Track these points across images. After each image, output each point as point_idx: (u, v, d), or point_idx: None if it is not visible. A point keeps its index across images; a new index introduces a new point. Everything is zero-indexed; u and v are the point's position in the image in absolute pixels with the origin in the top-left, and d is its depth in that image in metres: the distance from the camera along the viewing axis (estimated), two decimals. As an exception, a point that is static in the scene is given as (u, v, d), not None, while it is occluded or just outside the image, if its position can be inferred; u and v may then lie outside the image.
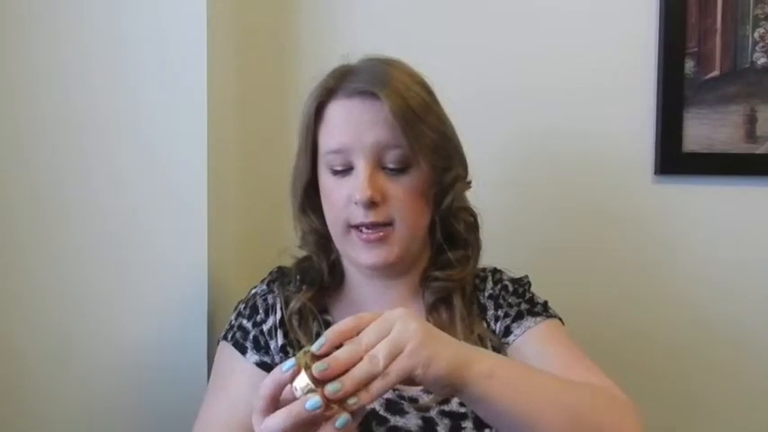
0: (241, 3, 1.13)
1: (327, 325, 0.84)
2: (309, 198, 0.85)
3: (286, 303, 0.83)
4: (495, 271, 0.90)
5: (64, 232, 0.96)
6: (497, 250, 0.91)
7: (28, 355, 0.96)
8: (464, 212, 0.85)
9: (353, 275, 0.86)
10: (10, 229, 0.95)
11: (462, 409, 0.75)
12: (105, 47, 0.95)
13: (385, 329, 0.56)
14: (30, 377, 0.96)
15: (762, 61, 1.16)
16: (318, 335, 0.82)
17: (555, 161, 1.18)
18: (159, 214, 0.96)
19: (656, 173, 1.17)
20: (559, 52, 1.16)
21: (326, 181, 0.81)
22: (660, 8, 1.15)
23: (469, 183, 0.87)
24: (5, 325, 0.96)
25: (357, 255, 0.79)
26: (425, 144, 0.78)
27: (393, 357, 0.54)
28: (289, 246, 0.89)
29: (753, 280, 1.19)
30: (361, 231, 0.78)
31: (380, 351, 0.54)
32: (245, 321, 0.84)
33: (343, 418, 0.52)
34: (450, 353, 0.58)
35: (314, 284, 0.85)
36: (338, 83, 0.80)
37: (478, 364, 0.59)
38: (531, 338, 0.80)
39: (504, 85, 1.16)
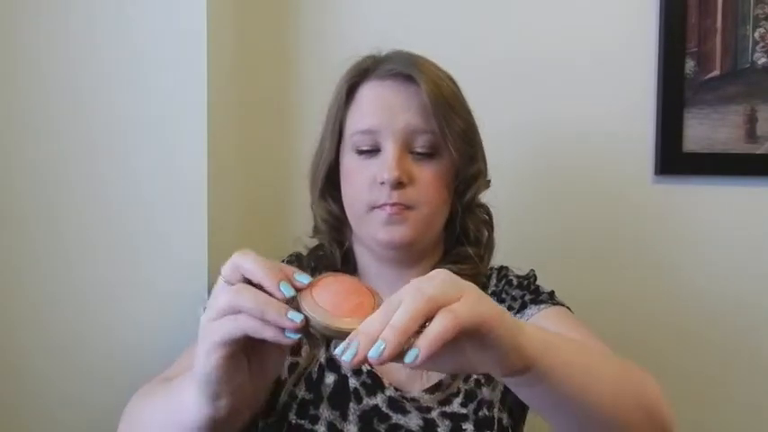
0: (242, 2, 1.14)
1: None
2: (329, 183, 0.85)
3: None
4: (501, 268, 0.90)
5: (64, 232, 0.96)
6: (495, 251, 0.91)
7: (30, 350, 0.97)
8: (480, 210, 0.86)
9: (366, 264, 0.87)
10: (15, 225, 0.96)
11: (463, 410, 0.75)
12: (107, 47, 0.96)
13: (424, 287, 0.46)
14: (32, 370, 0.97)
15: (762, 61, 1.16)
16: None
17: (554, 161, 1.18)
18: (160, 213, 0.97)
19: (656, 173, 1.17)
20: (559, 52, 1.17)
21: (350, 163, 0.81)
22: (660, 8, 1.16)
23: (489, 181, 0.87)
24: (10, 319, 0.96)
25: (375, 232, 0.79)
26: (455, 131, 0.79)
27: (448, 298, 0.46)
28: (300, 235, 0.90)
29: (753, 280, 1.19)
30: (382, 209, 0.78)
31: (427, 288, 0.46)
32: None
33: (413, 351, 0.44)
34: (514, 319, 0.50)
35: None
36: (372, 65, 0.82)
37: (538, 333, 0.53)
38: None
39: (503, 84, 1.17)
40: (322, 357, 0.79)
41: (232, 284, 0.51)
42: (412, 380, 0.77)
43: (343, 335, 0.46)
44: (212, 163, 0.98)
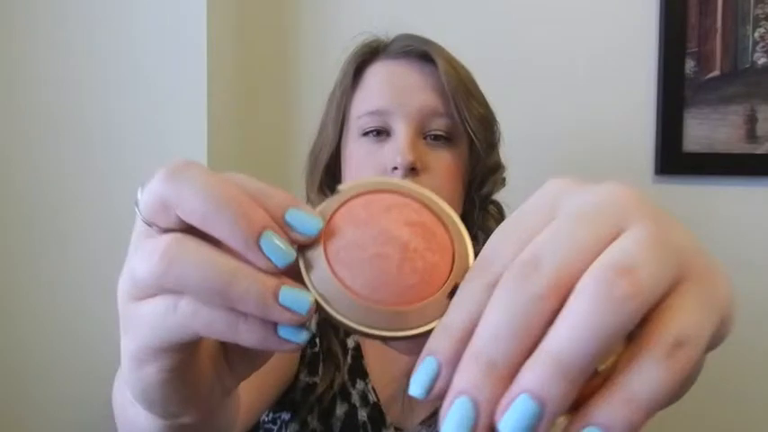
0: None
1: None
2: (329, 176, 0.76)
3: None
4: None
5: (64, 232, 0.96)
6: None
7: (30, 350, 0.97)
8: (494, 207, 0.80)
9: None
10: (15, 225, 0.96)
11: None
12: (107, 47, 0.96)
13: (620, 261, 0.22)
14: (32, 370, 0.97)
15: (762, 61, 1.15)
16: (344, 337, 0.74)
17: (555, 161, 1.18)
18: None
19: (656, 173, 1.17)
20: (559, 52, 1.17)
21: (356, 150, 0.72)
22: (660, 8, 1.16)
23: (505, 179, 0.81)
24: (10, 319, 0.96)
25: None
26: (474, 116, 0.71)
27: (664, 286, 0.22)
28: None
29: (753, 280, 1.18)
30: None
31: (634, 272, 0.21)
32: None
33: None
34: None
35: None
36: (383, 44, 0.75)
37: None
38: None
39: (502, 85, 1.16)
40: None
41: (162, 232, 0.27)
42: (409, 414, 0.73)
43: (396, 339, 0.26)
44: (212, 163, 0.98)
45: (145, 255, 0.26)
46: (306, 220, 0.27)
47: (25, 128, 0.96)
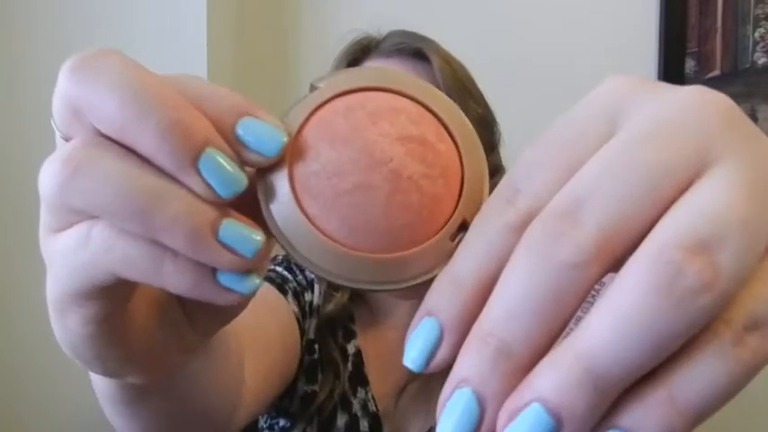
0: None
1: (348, 332, 0.71)
2: None
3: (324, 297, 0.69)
4: None
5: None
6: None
7: (30, 350, 0.97)
8: None
9: None
10: (15, 225, 0.96)
11: None
12: (108, 41, 0.96)
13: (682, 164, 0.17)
14: (32, 370, 0.97)
15: (762, 61, 1.15)
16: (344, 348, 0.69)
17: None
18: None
19: (656, 173, 1.17)
20: (559, 52, 1.17)
21: None
22: (660, 8, 1.16)
23: None
24: (10, 319, 0.96)
25: None
26: (472, 117, 0.60)
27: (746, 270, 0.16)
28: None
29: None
30: None
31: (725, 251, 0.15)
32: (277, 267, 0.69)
33: None
34: None
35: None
36: (374, 41, 0.72)
37: None
38: None
39: (501, 85, 1.16)
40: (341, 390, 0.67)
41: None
42: (405, 428, 0.69)
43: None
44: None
45: (48, 166, 0.20)
46: (264, 133, 0.21)
47: (25, 128, 0.96)
